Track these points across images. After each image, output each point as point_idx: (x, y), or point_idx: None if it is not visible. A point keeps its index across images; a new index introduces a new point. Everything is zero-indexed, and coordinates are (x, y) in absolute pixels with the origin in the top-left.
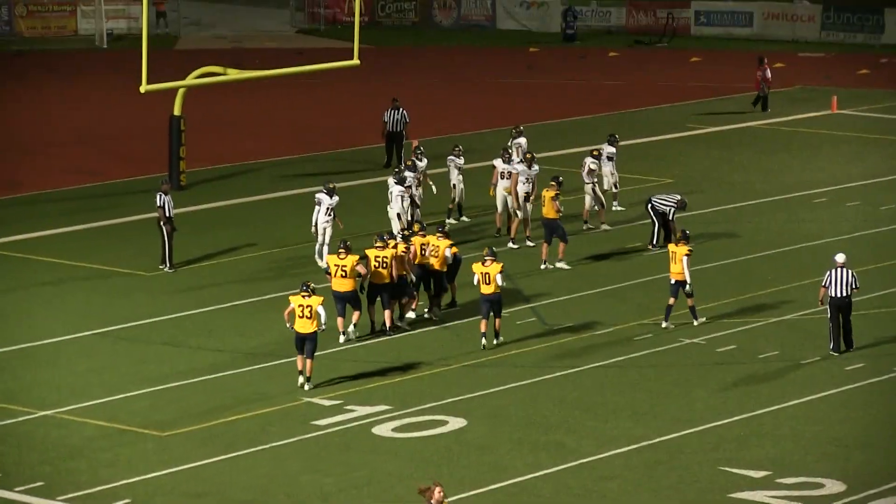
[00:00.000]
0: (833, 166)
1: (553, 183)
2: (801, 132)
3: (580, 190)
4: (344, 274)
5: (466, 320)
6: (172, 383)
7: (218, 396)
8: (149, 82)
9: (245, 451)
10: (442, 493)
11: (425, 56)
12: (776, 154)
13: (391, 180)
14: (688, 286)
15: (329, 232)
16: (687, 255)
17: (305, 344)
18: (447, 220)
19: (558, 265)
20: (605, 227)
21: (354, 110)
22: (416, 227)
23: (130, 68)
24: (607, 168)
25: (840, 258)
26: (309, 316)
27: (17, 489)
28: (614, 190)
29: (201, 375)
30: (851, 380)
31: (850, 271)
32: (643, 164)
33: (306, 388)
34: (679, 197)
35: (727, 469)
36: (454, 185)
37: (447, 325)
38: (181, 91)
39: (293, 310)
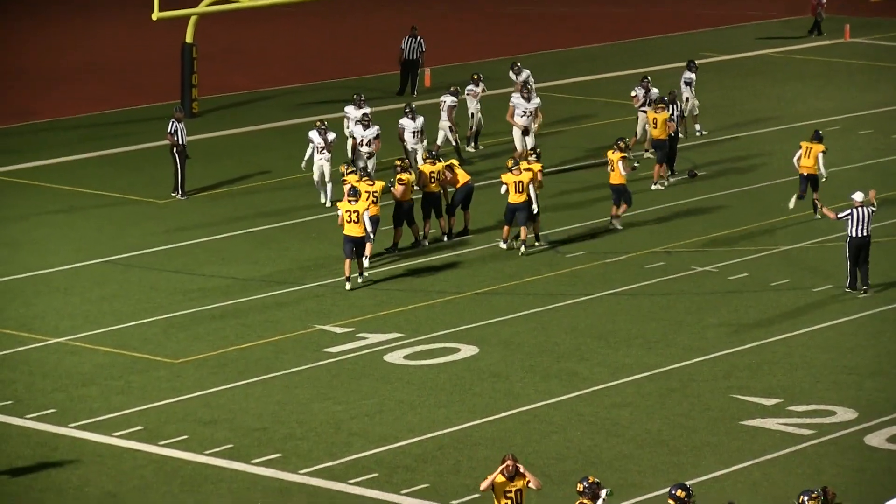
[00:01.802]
0: (845, 95)
1: (662, 105)
2: (813, 60)
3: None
4: (357, 220)
5: (479, 248)
6: (184, 311)
7: (230, 324)
8: (161, 10)
9: (257, 379)
10: (511, 464)
11: None
12: (789, 82)
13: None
14: (823, 179)
15: (327, 170)
16: (823, 152)
17: (355, 248)
18: (467, 149)
19: (654, 187)
20: (648, 154)
21: (366, 38)
22: (423, 155)
23: None
24: (686, 93)
25: (859, 196)
26: (356, 220)
27: (29, 416)
28: (695, 113)
29: (213, 303)
30: (863, 308)
31: (869, 209)
32: None
33: (359, 280)
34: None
35: (739, 397)
36: (472, 113)
37: (459, 252)
38: (193, 18)
39: (342, 216)
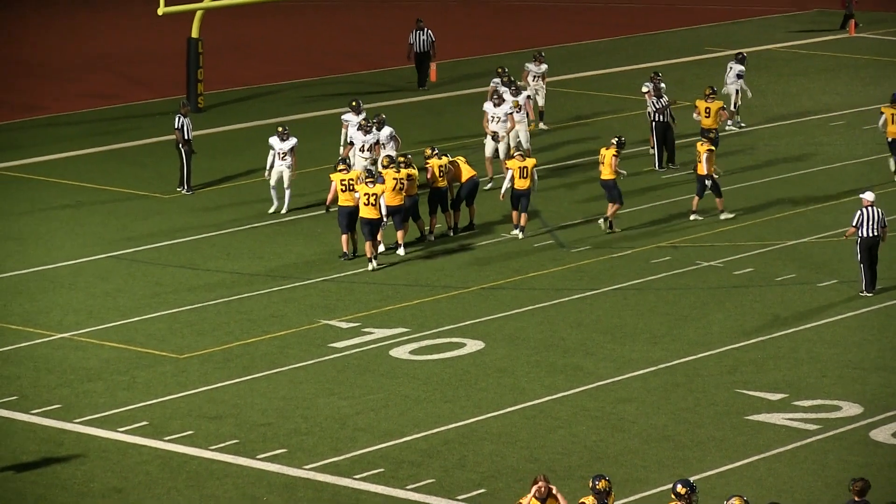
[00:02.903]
0: (850, 90)
1: (713, 94)
2: (818, 55)
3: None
4: (374, 203)
5: (485, 243)
6: (190, 306)
7: (235, 319)
8: (167, 4)
9: (262, 374)
10: (544, 485)
11: None
12: (794, 77)
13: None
14: None
15: (286, 176)
16: None
17: (371, 228)
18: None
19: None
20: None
21: (373, 32)
22: (427, 151)
23: None
24: (734, 86)
25: (869, 196)
26: (374, 203)
27: (34, 411)
28: (738, 104)
29: (219, 298)
30: (868, 303)
31: (879, 209)
32: None
33: (371, 267)
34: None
35: (744, 392)
36: None
37: (465, 247)
38: (199, 13)
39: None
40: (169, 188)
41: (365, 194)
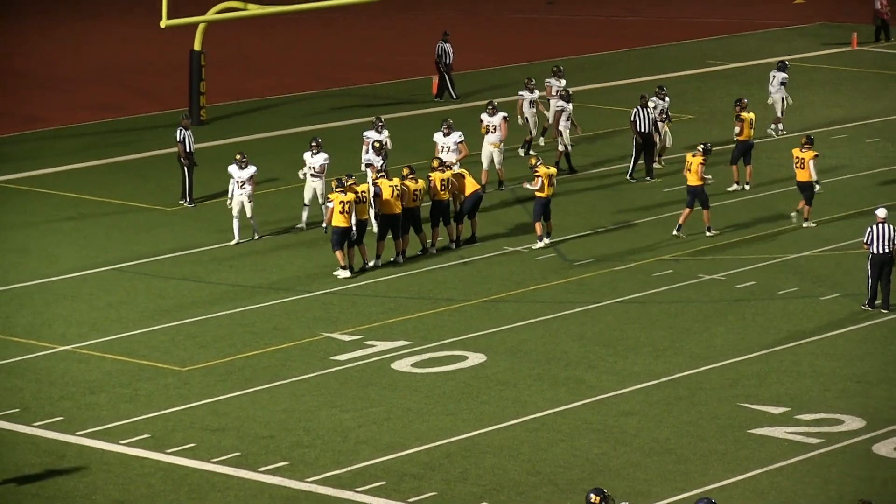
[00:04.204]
0: (853, 103)
1: (740, 105)
2: (821, 68)
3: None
4: (349, 211)
5: (486, 256)
6: (192, 318)
7: (237, 331)
8: (169, 17)
9: (264, 387)
10: None
11: None
12: (796, 90)
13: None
14: None
15: (247, 206)
16: None
17: (342, 237)
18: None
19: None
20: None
21: (375, 45)
22: (434, 163)
23: (151, 3)
24: (779, 94)
25: (881, 213)
26: (349, 211)
27: (36, 424)
28: (779, 115)
29: (221, 310)
30: (871, 317)
31: (891, 226)
32: None
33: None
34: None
35: (746, 405)
36: (527, 118)
37: (467, 260)
38: (201, 26)
39: (333, 209)
40: (171, 201)
41: (340, 202)
